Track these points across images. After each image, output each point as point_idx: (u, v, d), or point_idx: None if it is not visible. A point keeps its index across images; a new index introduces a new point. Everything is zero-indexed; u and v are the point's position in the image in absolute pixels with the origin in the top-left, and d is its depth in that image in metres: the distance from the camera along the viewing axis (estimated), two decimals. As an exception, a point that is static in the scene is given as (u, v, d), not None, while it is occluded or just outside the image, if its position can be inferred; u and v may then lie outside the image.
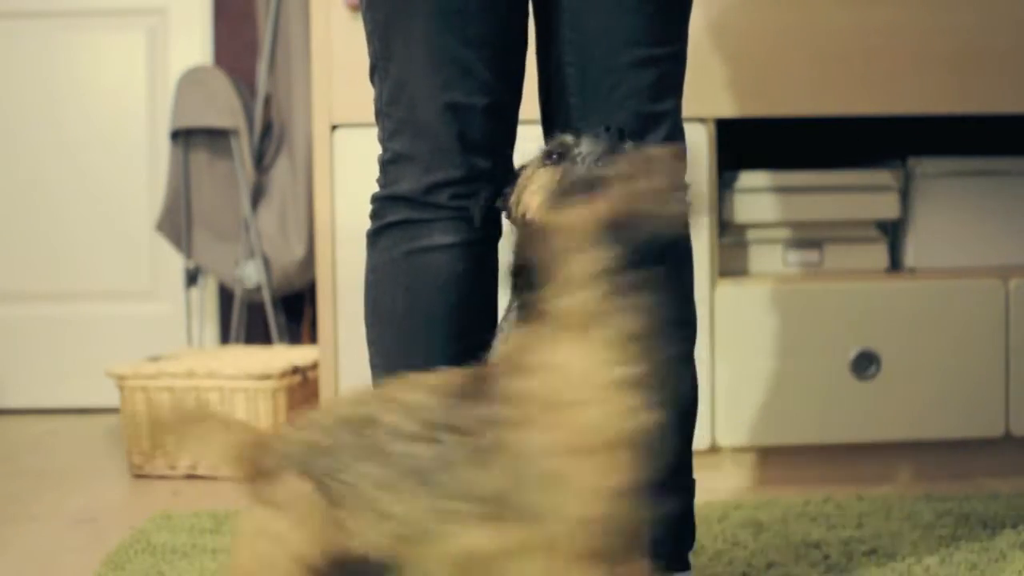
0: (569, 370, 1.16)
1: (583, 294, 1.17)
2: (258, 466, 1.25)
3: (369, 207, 1.62)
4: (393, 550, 1.19)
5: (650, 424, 1.15)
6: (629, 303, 1.18)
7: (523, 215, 1.47)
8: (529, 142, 1.61)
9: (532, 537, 1.14)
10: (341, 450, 1.21)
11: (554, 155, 1.45)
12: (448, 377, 1.24)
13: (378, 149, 1.62)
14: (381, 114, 1.60)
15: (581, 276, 1.18)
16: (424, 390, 1.22)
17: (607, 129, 1.44)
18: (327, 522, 1.21)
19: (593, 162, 1.42)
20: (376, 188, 1.62)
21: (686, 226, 1.66)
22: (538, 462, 1.14)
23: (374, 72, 1.60)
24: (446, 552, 1.16)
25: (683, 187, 1.22)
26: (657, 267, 1.20)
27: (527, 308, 1.22)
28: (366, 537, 1.19)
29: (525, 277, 1.22)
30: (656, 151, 1.26)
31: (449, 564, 1.17)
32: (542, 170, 1.45)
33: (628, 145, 1.44)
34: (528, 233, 1.25)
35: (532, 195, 1.46)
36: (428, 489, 1.16)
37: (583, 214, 1.20)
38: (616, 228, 1.19)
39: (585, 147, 1.44)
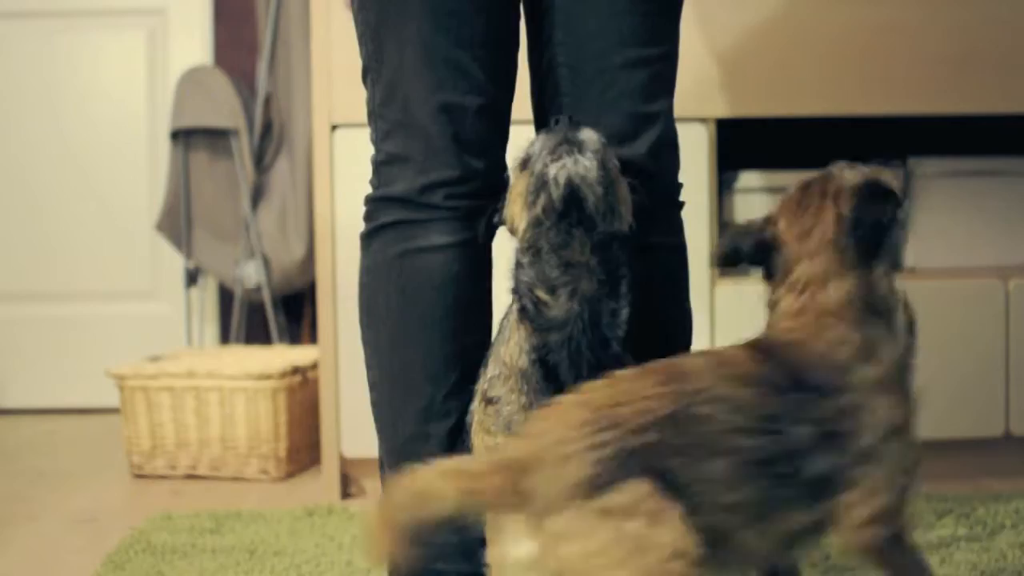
0: (886, 356, 1.30)
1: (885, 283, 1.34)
2: (528, 488, 1.14)
3: (363, 208, 1.62)
4: (724, 536, 1.19)
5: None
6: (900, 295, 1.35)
7: (512, 223, 1.47)
8: (523, 142, 1.62)
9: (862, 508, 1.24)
10: (675, 447, 1.17)
11: (527, 161, 1.46)
12: (737, 361, 1.28)
13: (376, 150, 1.62)
14: (374, 115, 1.60)
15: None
16: (728, 382, 1.24)
17: (557, 121, 1.44)
18: (682, 515, 1.15)
19: (548, 156, 1.41)
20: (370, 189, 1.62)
21: (681, 230, 1.67)
22: (881, 441, 1.25)
23: (367, 74, 1.60)
24: (777, 530, 1.23)
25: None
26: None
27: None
28: (705, 526, 1.16)
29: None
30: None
31: (776, 540, 1.24)
32: (520, 177, 1.46)
33: (583, 133, 1.43)
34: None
35: (512, 203, 1.47)
36: (770, 479, 1.20)
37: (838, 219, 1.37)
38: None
39: (538, 144, 1.44)
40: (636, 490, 1.13)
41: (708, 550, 1.15)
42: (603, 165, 1.42)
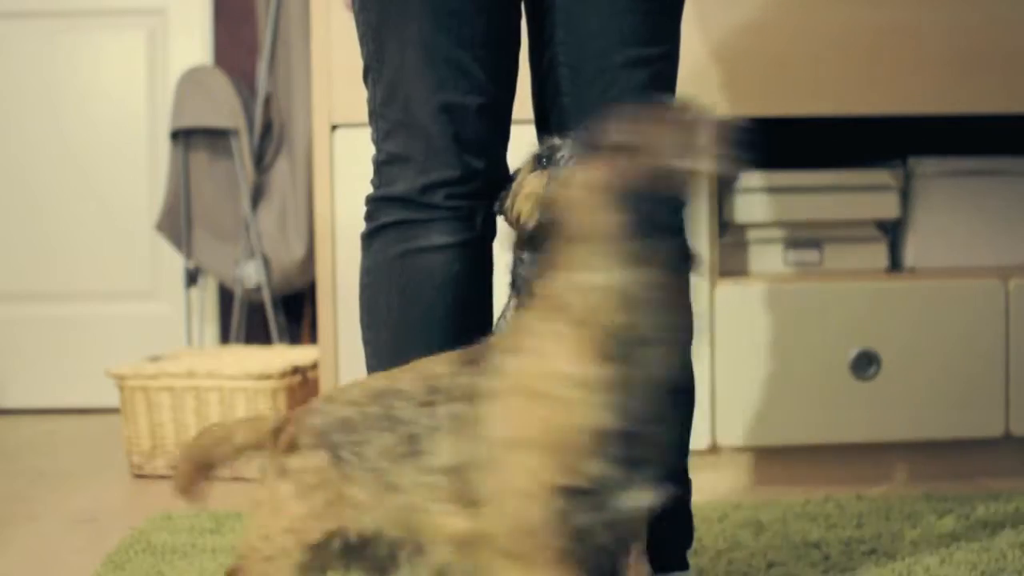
0: (545, 359, 1.12)
1: (584, 276, 1.11)
2: (287, 440, 1.24)
3: (363, 208, 1.62)
4: (398, 527, 1.17)
5: (609, 428, 1.10)
6: (631, 287, 1.11)
7: (517, 219, 1.47)
8: (524, 142, 1.62)
9: (477, 525, 1.13)
10: (363, 421, 1.20)
11: (543, 159, 1.46)
12: (473, 347, 1.23)
13: (376, 150, 1.62)
14: (375, 115, 1.60)
15: (588, 248, 1.12)
16: (447, 360, 1.21)
17: (587, 128, 1.44)
18: (335, 496, 1.19)
19: (573, 163, 1.42)
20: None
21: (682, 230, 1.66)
22: (491, 446, 1.12)
23: (367, 73, 1.60)
24: (438, 531, 1.15)
25: (722, 148, 1.12)
26: (670, 239, 1.13)
27: (530, 282, 1.20)
28: (374, 512, 1.18)
29: (535, 244, 1.19)
30: (700, 108, 1.15)
31: (443, 544, 1.16)
32: (532, 175, 1.46)
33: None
34: (545, 201, 1.22)
35: (524, 200, 1.47)
36: (416, 458, 1.16)
37: (599, 174, 1.13)
38: (635, 190, 1.11)
39: (567, 149, 1.44)
40: (304, 458, 1.22)
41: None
42: None
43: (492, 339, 1.23)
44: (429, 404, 1.18)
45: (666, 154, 1.11)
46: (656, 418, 1.14)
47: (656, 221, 1.12)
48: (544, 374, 1.12)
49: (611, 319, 1.11)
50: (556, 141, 1.47)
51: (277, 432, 1.26)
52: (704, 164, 1.12)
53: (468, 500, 1.13)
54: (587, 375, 1.10)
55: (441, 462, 1.15)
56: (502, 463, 1.11)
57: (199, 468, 1.34)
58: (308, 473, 1.21)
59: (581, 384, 1.10)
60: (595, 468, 1.10)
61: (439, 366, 1.21)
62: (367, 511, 1.18)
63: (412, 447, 1.16)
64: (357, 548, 1.21)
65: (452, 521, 1.14)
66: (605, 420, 1.10)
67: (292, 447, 1.24)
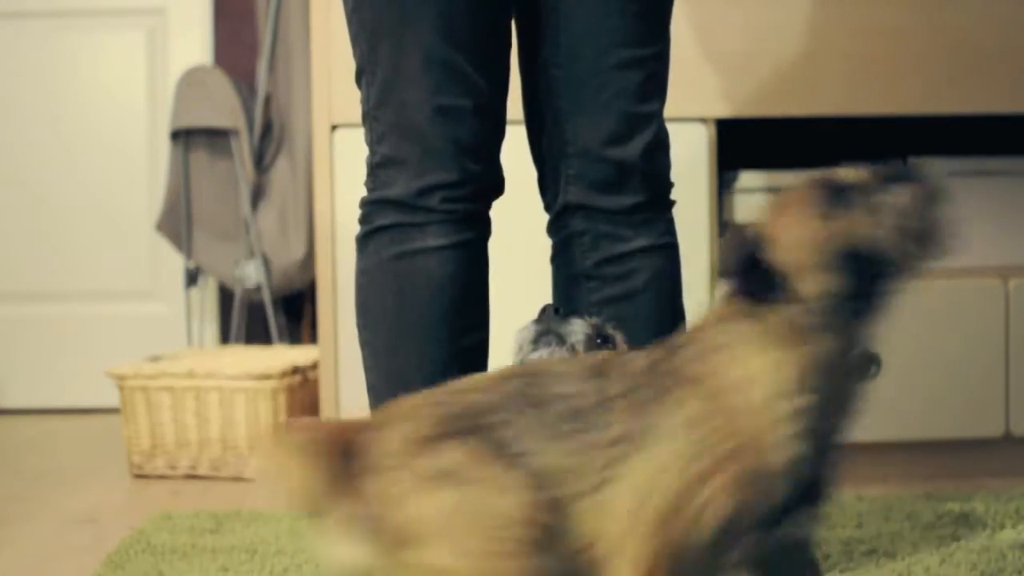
0: (745, 377, 1.12)
1: (803, 310, 1.14)
2: (352, 454, 1.12)
3: (358, 211, 1.62)
4: (550, 512, 1.09)
5: (787, 461, 1.11)
6: (836, 333, 1.15)
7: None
8: (515, 143, 1.63)
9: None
10: (505, 402, 1.12)
11: (547, 335, 1.47)
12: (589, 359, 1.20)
13: (375, 151, 1.62)
14: (369, 117, 1.60)
15: (808, 292, 1.14)
16: (572, 369, 1.17)
17: (544, 311, 1.47)
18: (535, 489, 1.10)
19: (530, 347, 1.43)
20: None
21: (673, 230, 1.67)
22: (673, 432, 1.10)
23: (360, 75, 1.60)
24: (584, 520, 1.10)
25: (936, 230, 1.21)
26: (875, 304, 1.19)
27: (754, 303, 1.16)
28: (520, 496, 1.09)
29: (753, 278, 1.16)
30: (930, 187, 1.23)
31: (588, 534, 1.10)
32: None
33: (569, 326, 1.44)
34: (760, 237, 1.18)
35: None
36: (585, 432, 1.10)
37: (830, 232, 1.16)
38: (855, 254, 1.15)
39: (523, 334, 1.47)
40: (465, 450, 1.09)
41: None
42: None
43: (681, 338, 1.19)
44: (593, 376, 1.13)
45: (904, 225, 1.18)
46: (830, 460, 1.17)
47: (864, 289, 1.17)
48: (741, 392, 1.12)
49: (819, 353, 1.14)
50: (556, 319, 1.47)
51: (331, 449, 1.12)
52: (927, 251, 1.21)
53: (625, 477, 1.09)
54: (785, 405, 1.12)
55: (613, 434, 1.10)
56: (676, 451, 1.09)
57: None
58: (469, 465, 1.09)
59: (778, 412, 1.11)
60: (776, 488, 1.11)
61: (572, 367, 1.16)
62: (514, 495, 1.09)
63: (579, 420, 1.11)
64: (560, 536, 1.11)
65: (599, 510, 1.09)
66: (797, 447, 1.12)
67: (426, 441, 1.11)
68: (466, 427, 1.11)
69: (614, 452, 1.10)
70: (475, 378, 1.20)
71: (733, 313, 1.16)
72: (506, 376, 1.17)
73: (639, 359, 1.16)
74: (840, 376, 1.16)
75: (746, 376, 1.12)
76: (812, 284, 1.14)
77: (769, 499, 1.11)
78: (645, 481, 1.10)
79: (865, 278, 1.16)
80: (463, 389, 1.17)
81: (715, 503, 1.09)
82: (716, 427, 1.11)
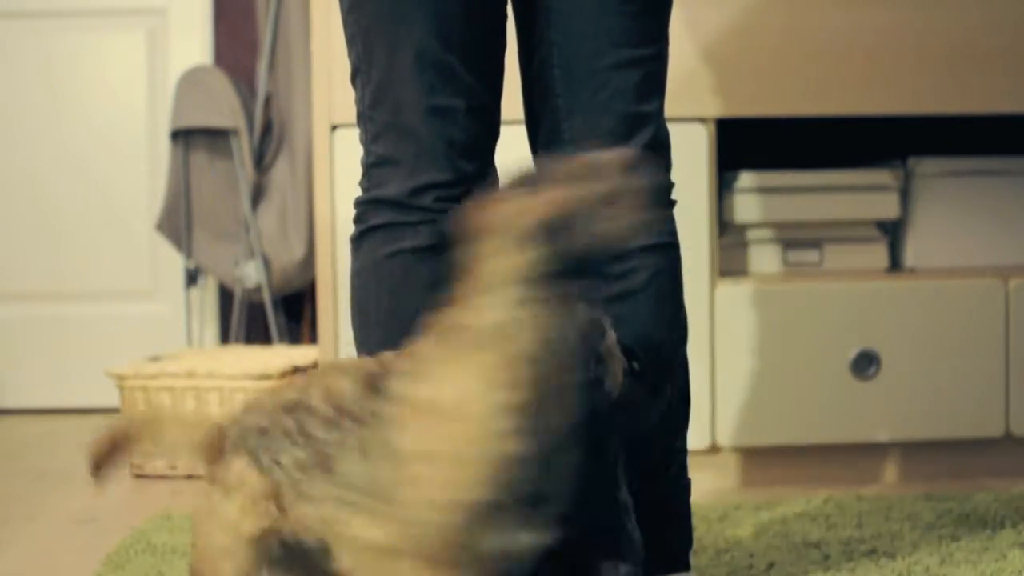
0: (450, 385, 1.13)
1: (492, 306, 1.12)
2: (216, 450, 1.28)
3: (352, 211, 1.62)
4: (320, 532, 1.20)
5: (517, 451, 1.11)
6: (541, 319, 1.12)
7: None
8: (514, 143, 1.63)
9: (392, 536, 1.15)
10: (278, 433, 1.23)
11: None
12: (370, 363, 1.24)
13: (375, 151, 1.62)
14: (363, 117, 1.60)
15: (497, 282, 1.12)
16: (349, 375, 1.23)
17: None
18: (268, 503, 1.23)
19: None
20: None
21: (673, 230, 1.66)
22: (402, 461, 1.14)
23: (355, 75, 1.61)
24: (351, 540, 1.18)
25: (634, 199, 1.12)
26: (584, 280, 1.14)
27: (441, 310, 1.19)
28: (298, 519, 1.21)
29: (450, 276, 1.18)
30: (610, 155, 1.16)
31: (356, 552, 1.18)
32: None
33: None
34: (458, 231, 1.17)
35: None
36: (328, 476, 1.19)
37: (513, 210, 1.13)
38: (550, 231, 1.11)
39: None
40: (237, 468, 1.25)
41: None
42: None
43: (393, 359, 1.23)
44: (336, 426, 1.20)
45: (588, 199, 1.12)
46: (562, 455, 1.15)
47: (571, 262, 1.13)
48: (449, 400, 1.13)
49: (522, 349, 1.12)
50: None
51: (209, 441, 1.29)
52: (615, 221, 1.13)
53: (380, 513, 1.15)
54: (496, 399, 1.11)
55: (352, 481, 1.17)
56: (413, 476, 1.13)
57: (117, 447, 1.42)
58: (232, 475, 1.25)
59: (491, 407, 1.11)
60: (501, 488, 1.12)
61: (343, 381, 1.22)
62: (293, 519, 1.22)
63: (324, 464, 1.19)
64: (296, 552, 1.23)
65: (366, 531, 1.16)
66: (512, 445, 1.11)
67: (219, 453, 1.27)
68: (250, 447, 1.26)
69: (355, 495, 1.17)
70: (268, 400, 1.29)
71: (440, 324, 1.18)
72: (288, 405, 1.25)
73: (366, 399, 1.20)
74: (562, 359, 1.13)
75: (455, 386, 1.13)
76: (510, 267, 1.12)
77: (489, 507, 1.13)
78: (374, 509, 1.16)
79: (564, 250, 1.12)
80: (258, 409, 1.28)
81: (441, 522, 1.13)
82: (434, 444, 1.13)
